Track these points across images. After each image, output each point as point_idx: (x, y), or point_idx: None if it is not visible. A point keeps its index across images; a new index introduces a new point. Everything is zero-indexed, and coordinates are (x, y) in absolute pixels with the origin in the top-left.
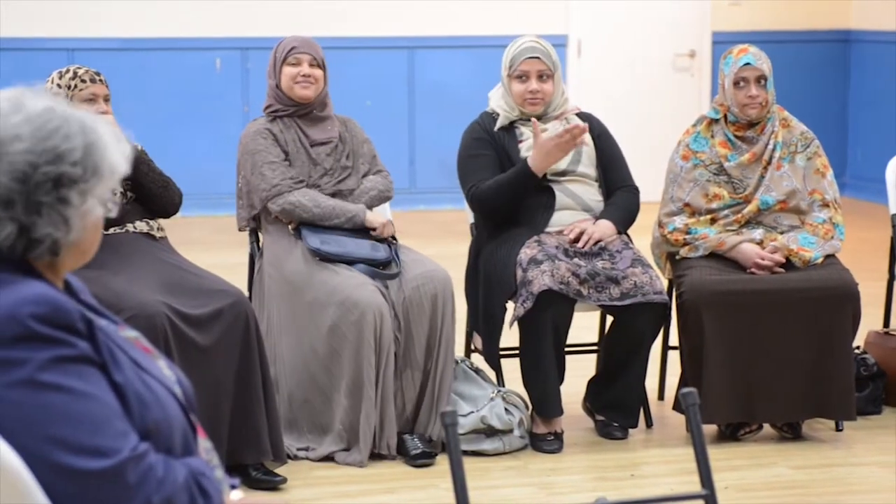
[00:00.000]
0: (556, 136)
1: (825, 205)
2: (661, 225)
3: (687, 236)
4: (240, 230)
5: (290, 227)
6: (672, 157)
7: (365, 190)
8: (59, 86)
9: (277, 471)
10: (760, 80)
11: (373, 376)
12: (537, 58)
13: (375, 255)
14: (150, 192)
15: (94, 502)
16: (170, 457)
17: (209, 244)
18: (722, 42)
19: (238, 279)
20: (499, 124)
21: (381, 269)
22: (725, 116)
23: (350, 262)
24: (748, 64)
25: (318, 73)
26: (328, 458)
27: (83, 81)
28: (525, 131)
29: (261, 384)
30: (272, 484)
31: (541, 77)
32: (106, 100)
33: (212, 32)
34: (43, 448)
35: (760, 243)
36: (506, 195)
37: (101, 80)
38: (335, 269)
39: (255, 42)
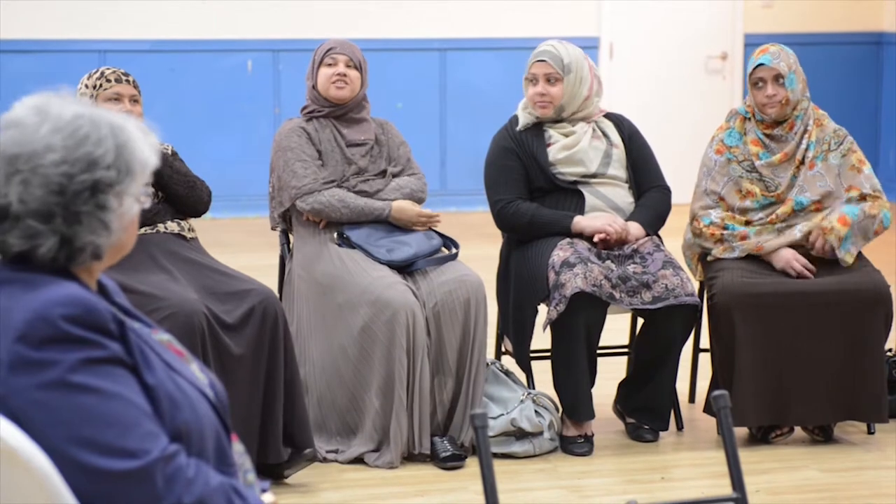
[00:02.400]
0: (609, 224)
1: (862, 198)
2: (695, 218)
3: (724, 231)
4: (273, 229)
5: (334, 236)
6: (706, 151)
7: (395, 188)
8: (86, 86)
9: (308, 473)
10: (778, 78)
11: (404, 377)
12: (545, 61)
13: (434, 244)
14: (175, 194)
15: (124, 503)
16: (202, 461)
17: (239, 246)
18: (754, 44)
19: (268, 281)
20: (519, 127)
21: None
22: (753, 115)
23: (412, 262)
24: (762, 64)
25: (353, 73)
26: (357, 461)
27: (108, 81)
28: (553, 134)
29: (283, 384)
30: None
31: (548, 80)
32: (133, 100)
33: (243, 34)
34: (72, 449)
35: (806, 237)
36: (536, 232)
37: (127, 81)
38: (366, 270)
39: (287, 44)
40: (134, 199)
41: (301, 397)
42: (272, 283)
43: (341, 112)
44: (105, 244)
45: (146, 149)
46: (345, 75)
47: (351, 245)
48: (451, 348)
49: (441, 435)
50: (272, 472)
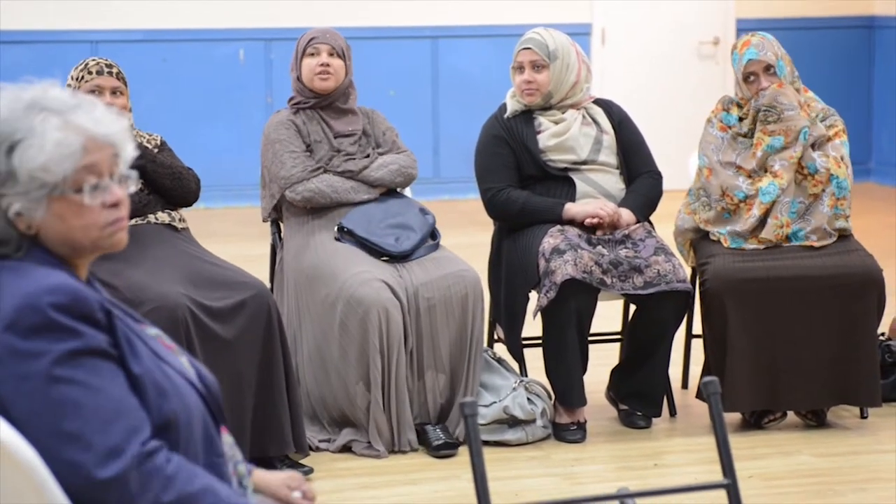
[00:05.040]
0: (601, 207)
1: (825, 156)
2: (725, 193)
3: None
4: (264, 221)
5: (334, 229)
6: (707, 130)
7: (383, 163)
8: (73, 78)
9: (303, 462)
10: (769, 69)
11: (379, 378)
12: (530, 48)
13: (430, 220)
14: (162, 187)
15: (102, 497)
16: (190, 448)
17: (231, 236)
18: (746, 29)
19: (260, 271)
20: (508, 114)
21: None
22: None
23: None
24: (752, 59)
25: (337, 63)
26: (348, 450)
27: (90, 73)
28: (543, 122)
29: (283, 376)
30: None
31: (534, 67)
32: (116, 92)
33: (235, 24)
34: (53, 442)
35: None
36: (527, 220)
37: (110, 72)
38: (347, 265)
39: (279, 33)
40: (24, 200)
41: (297, 396)
42: (264, 273)
43: (327, 103)
44: None
45: (34, 150)
46: (328, 65)
47: (354, 238)
48: (444, 342)
49: (434, 424)
50: (264, 464)
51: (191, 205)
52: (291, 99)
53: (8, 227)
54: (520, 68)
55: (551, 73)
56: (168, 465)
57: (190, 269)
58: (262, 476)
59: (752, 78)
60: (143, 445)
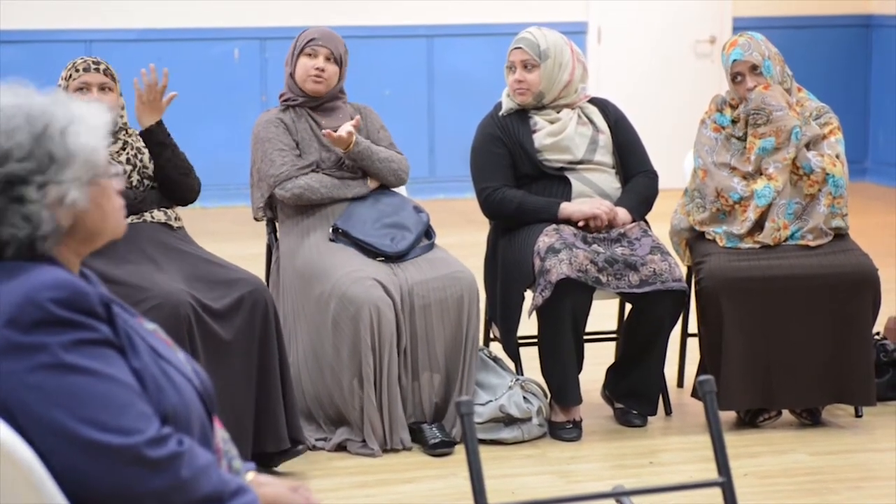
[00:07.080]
0: (597, 206)
1: (820, 155)
2: (720, 195)
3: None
4: (255, 220)
5: (329, 230)
6: (700, 132)
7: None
8: (63, 77)
9: (297, 461)
10: (755, 69)
11: (371, 376)
12: (521, 48)
13: (423, 218)
14: (171, 178)
15: (121, 479)
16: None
17: (228, 235)
18: (742, 28)
19: (256, 270)
20: (503, 112)
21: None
22: (738, 107)
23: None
24: (737, 59)
25: (332, 68)
26: (344, 449)
27: (77, 71)
28: (539, 121)
29: (279, 373)
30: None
31: (525, 67)
32: (105, 88)
33: (230, 23)
34: (71, 427)
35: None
36: (523, 218)
37: (97, 69)
38: (340, 263)
39: (273, 32)
40: (77, 184)
41: (291, 391)
42: (260, 273)
43: (316, 103)
44: (35, 235)
45: (83, 134)
46: (323, 70)
47: (349, 239)
48: (439, 342)
49: (430, 423)
50: (264, 461)
51: (187, 204)
52: (282, 95)
53: (51, 220)
54: (511, 68)
55: (542, 73)
56: (182, 447)
57: (188, 268)
58: (264, 485)
59: (738, 78)
60: (158, 430)
